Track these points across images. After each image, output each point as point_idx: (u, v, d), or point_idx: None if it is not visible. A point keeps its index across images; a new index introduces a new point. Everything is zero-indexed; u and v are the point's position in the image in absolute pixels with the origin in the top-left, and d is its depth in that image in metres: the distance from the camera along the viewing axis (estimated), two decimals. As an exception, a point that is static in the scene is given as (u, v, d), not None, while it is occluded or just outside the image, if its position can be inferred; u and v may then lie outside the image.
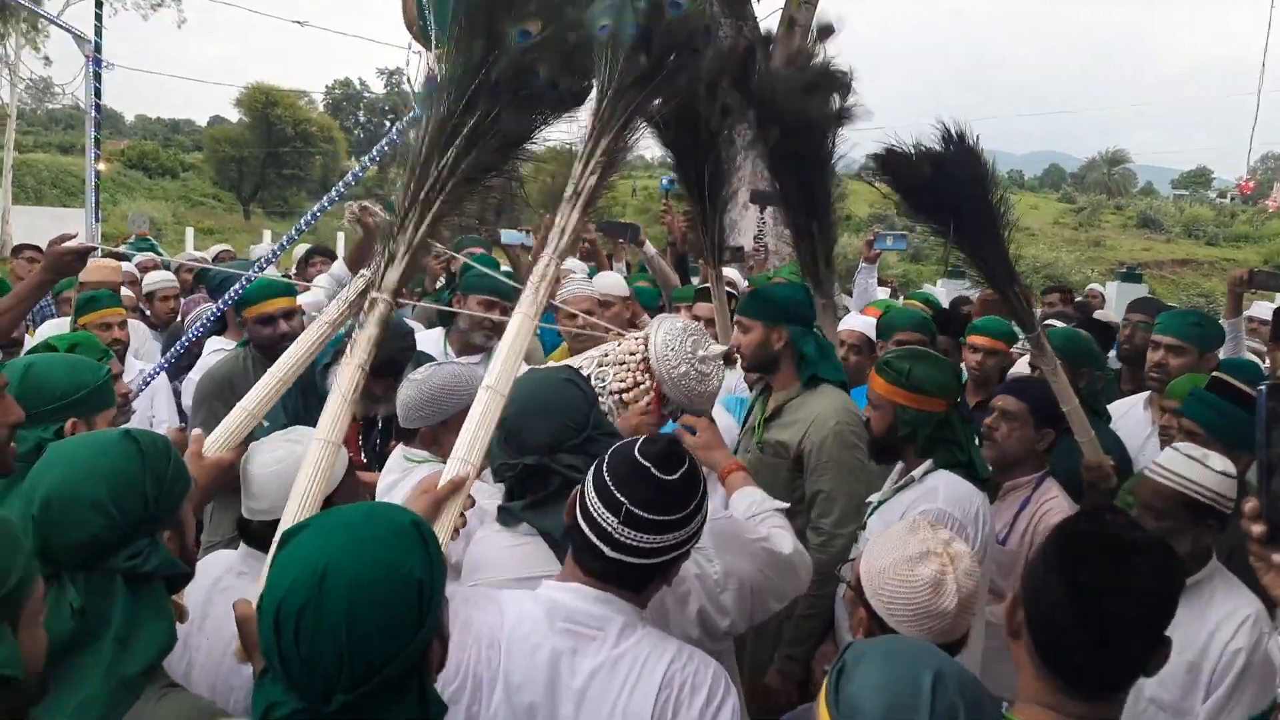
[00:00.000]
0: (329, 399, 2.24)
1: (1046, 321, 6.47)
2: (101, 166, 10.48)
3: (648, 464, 1.81)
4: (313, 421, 2.24)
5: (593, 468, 1.88)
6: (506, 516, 2.26)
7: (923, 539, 2.01)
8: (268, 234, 21.08)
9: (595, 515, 1.81)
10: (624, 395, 2.60)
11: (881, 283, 9.32)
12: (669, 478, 1.81)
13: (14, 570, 1.26)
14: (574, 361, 2.74)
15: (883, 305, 5.37)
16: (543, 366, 3.03)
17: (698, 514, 1.86)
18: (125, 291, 6.25)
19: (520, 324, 2.29)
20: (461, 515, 2.01)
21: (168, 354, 4.47)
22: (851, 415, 3.37)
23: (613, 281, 5.49)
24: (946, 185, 3.39)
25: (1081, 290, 11.69)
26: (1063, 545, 1.61)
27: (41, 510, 1.51)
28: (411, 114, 2.59)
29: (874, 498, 3.20)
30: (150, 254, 8.46)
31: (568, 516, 1.89)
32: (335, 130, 48.80)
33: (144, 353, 5.59)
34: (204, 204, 43.99)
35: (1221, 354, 4.76)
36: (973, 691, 1.29)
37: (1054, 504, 3.44)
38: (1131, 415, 4.15)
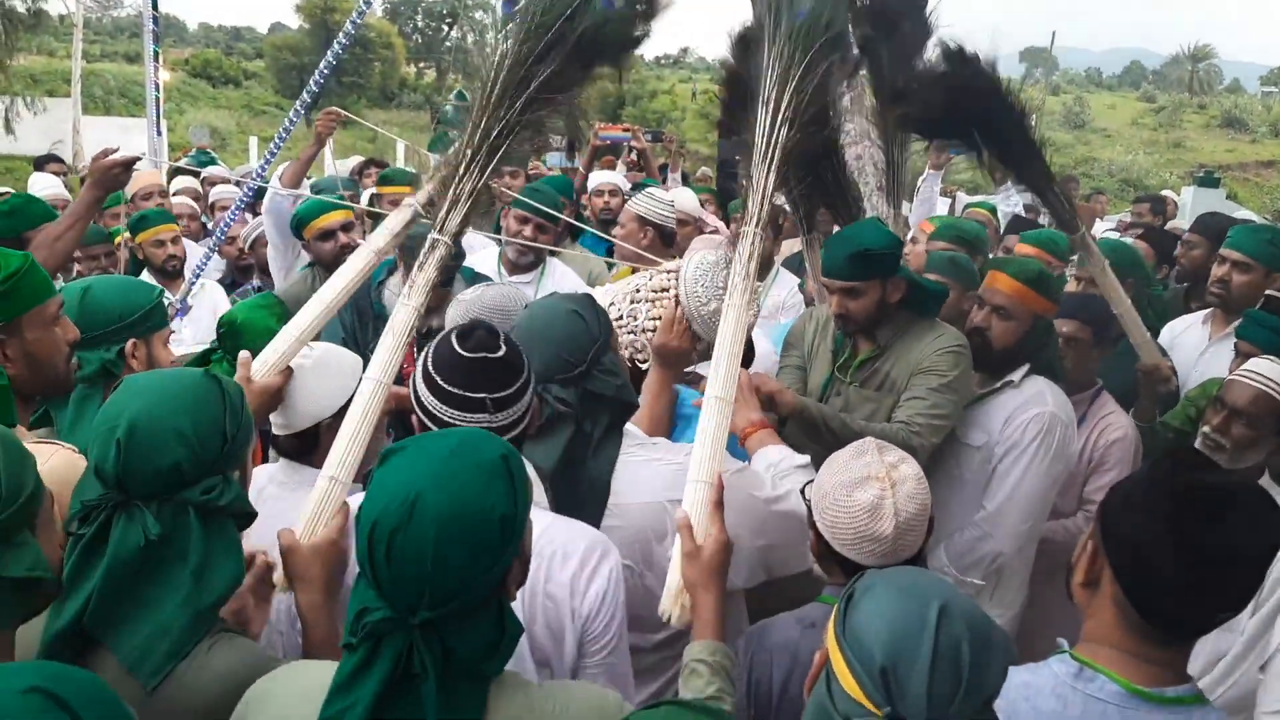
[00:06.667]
0: (382, 340, 2.24)
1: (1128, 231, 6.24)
2: (166, 76, 10.51)
3: (454, 343, 1.86)
4: (368, 337, 2.25)
5: (419, 362, 1.92)
6: None
7: (866, 463, 2.00)
8: (330, 142, 21.01)
9: (430, 409, 1.85)
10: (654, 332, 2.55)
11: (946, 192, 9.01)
12: (470, 355, 1.84)
13: (28, 482, 1.37)
14: (610, 290, 2.70)
15: (938, 221, 5.00)
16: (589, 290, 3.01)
17: (523, 394, 1.87)
18: (190, 202, 6.38)
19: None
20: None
21: (207, 250, 4.67)
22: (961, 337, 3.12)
23: (686, 199, 5.40)
24: (962, 105, 3.35)
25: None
26: (1168, 498, 1.56)
27: (127, 435, 1.54)
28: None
29: None
30: (217, 169, 8.61)
31: (414, 419, 1.91)
32: (394, 36, 48.31)
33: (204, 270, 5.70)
34: (266, 113, 44.10)
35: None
36: (981, 627, 1.29)
37: (1112, 419, 3.43)
38: (1190, 331, 4.06)
